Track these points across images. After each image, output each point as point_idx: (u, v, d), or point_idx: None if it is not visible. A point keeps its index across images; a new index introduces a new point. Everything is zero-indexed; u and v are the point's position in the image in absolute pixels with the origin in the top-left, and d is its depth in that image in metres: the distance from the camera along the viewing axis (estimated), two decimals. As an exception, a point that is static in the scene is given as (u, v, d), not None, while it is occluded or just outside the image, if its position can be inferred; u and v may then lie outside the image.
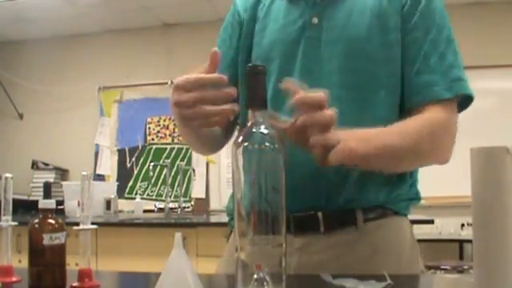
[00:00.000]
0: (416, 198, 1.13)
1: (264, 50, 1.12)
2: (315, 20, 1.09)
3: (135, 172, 4.61)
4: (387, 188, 1.07)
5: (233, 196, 1.30)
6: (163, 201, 4.23)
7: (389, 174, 1.06)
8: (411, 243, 1.12)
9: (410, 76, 1.07)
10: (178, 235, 0.74)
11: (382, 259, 1.04)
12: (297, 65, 1.08)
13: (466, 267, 3.58)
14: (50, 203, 0.92)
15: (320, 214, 1.04)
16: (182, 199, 4.13)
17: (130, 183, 4.59)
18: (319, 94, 0.86)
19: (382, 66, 1.06)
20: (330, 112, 0.86)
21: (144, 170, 4.57)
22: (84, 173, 0.94)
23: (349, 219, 1.05)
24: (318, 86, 1.02)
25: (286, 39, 1.10)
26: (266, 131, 0.72)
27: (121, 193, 4.42)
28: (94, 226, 0.94)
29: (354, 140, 0.90)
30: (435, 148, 1.04)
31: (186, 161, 4.45)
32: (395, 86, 1.08)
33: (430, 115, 1.03)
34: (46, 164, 4.59)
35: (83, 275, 0.91)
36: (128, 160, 4.65)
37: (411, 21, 1.07)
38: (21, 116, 4.91)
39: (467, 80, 1.07)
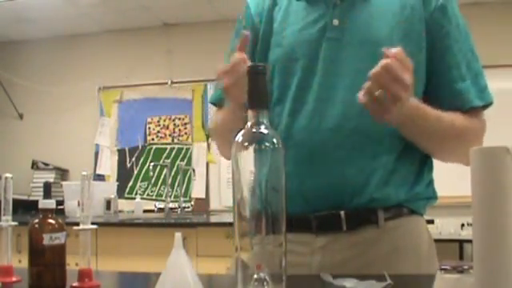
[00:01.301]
0: (433, 197, 1.15)
1: (285, 51, 1.13)
2: (336, 22, 1.10)
3: (135, 172, 4.60)
4: (407, 186, 1.09)
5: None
6: (163, 201, 4.22)
7: (408, 172, 1.09)
8: (429, 242, 1.14)
9: (442, 83, 1.10)
10: (178, 235, 0.74)
11: (402, 257, 1.06)
12: (319, 65, 1.09)
13: (466, 267, 3.57)
14: (50, 203, 0.92)
15: (343, 213, 1.05)
16: (181, 199, 4.13)
17: (130, 183, 4.59)
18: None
19: None
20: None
21: (144, 170, 4.56)
22: (84, 173, 0.94)
23: (370, 218, 1.06)
24: (343, 86, 1.04)
25: (308, 40, 1.11)
26: (266, 131, 0.72)
27: (121, 193, 4.42)
28: (94, 226, 0.94)
29: (406, 116, 0.96)
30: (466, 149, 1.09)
31: (185, 161, 4.45)
32: (419, 91, 1.09)
33: (469, 120, 1.09)
34: (46, 164, 4.58)
35: (83, 275, 0.91)
36: (128, 160, 4.65)
37: (442, 29, 1.10)
38: (21, 116, 4.91)
39: (489, 87, 1.13)
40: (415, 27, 1.09)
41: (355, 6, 1.10)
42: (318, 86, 1.08)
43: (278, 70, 1.13)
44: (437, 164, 1.18)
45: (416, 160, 1.11)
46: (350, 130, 1.05)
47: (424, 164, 1.13)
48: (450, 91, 1.10)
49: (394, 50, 0.91)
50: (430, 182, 1.15)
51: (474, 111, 1.11)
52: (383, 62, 0.89)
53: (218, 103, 1.24)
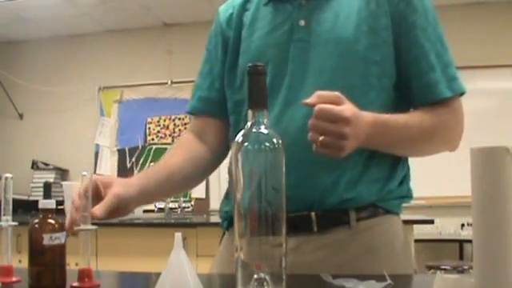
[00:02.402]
0: (407, 195, 1.13)
1: (253, 55, 1.12)
2: (302, 22, 1.09)
3: (135, 172, 4.60)
4: (378, 184, 1.08)
5: (226, 198, 1.32)
6: (163, 201, 4.23)
7: (379, 170, 1.08)
8: (403, 242, 1.13)
9: (411, 75, 1.09)
10: (178, 235, 0.74)
11: (374, 258, 1.05)
12: (288, 67, 1.09)
13: (466, 267, 3.57)
14: (50, 203, 0.92)
15: (313, 214, 1.05)
16: (181, 199, 4.13)
17: (130, 183, 4.59)
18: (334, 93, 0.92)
19: (373, 67, 1.07)
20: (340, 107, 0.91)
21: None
22: (84, 173, 0.94)
23: (342, 219, 1.05)
24: (309, 86, 1.04)
25: (275, 43, 1.11)
26: (265, 131, 0.72)
27: (121, 193, 4.42)
28: (95, 227, 0.94)
29: (366, 136, 0.95)
30: (445, 143, 1.12)
31: (186, 161, 4.45)
32: (387, 86, 1.09)
33: (438, 114, 1.08)
34: (46, 164, 4.59)
35: (83, 275, 0.91)
36: (128, 160, 4.65)
37: (407, 20, 1.08)
38: (21, 116, 4.92)
39: (459, 77, 1.11)
40: (381, 22, 1.07)
41: (320, 6, 1.10)
42: (286, 87, 1.08)
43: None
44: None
45: (388, 158, 1.09)
46: None
47: (397, 162, 1.12)
48: (420, 83, 1.08)
49: (313, 96, 0.91)
50: (404, 181, 1.14)
51: (445, 102, 1.09)
52: (314, 111, 0.89)
53: (193, 112, 1.26)
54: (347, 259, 1.04)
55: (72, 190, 0.99)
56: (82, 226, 0.93)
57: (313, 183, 1.04)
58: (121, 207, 1.02)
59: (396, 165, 1.11)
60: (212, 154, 1.24)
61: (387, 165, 1.10)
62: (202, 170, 1.25)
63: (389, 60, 1.08)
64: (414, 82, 1.09)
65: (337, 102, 0.91)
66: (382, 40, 1.07)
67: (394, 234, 1.11)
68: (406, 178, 1.14)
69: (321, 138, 0.90)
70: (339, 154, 0.92)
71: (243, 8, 1.19)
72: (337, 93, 0.92)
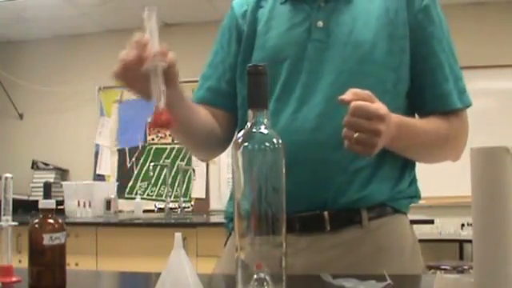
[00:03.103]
0: (416, 195, 1.15)
1: (269, 53, 1.13)
2: (320, 24, 1.11)
3: (135, 172, 4.61)
4: (390, 184, 1.09)
5: (231, 199, 1.32)
6: (163, 201, 4.23)
7: (391, 169, 1.09)
8: (413, 241, 1.14)
9: (426, 84, 1.12)
10: (178, 235, 0.74)
11: (385, 257, 1.06)
12: (304, 66, 1.10)
13: (466, 267, 3.57)
14: (50, 203, 0.92)
15: (326, 214, 1.05)
16: (181, 199, 4.13)
17: (130, 183, 4.59)
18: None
19: (389, 73, 1.09)
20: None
21: (144, 170, 4.56)
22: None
23: (354, 218, 1.06)
24: (324, 86, 1.05)
25: (293, 41, 1.12)
26: (265, 131, 0.72)
27: (121, 193, 4.42)
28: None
29: (392, 137, 0.97)
30: (452, 152, 1.15)
31: (185, 161, 4.44)
32: (401, 92, 1.11)
33: (450, 122, 1.12)
34: (46, 164, 4.59)
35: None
36: (128, 160, 4.65)
37: (425, 30, 1.11)
38: (21, 116, 4.91)
39: (467, 90, 1.15)
40: (399, 30, 1.10)
41: (339, 9, 1.11)
42: (302, 86, 1.09)
43: None
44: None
45: (399, 158, 1.11)
46: (332, 129, 1.04)
47: (407, 163, 1.13)
48: (434, 93, 1.12)
49: (348, 93, 0.91)
50: (413, 181, 1.16)
51: (455, 112, 1.13)
52: (350, 108, 0.90)
53: (201, 102, 1.22)
54: (359, 259, 1.05)
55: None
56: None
57: (327, 182, 1.05)
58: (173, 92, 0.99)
59: (406, 165, 1.13)
60: (221, 135, 1.22)
61: (398, 165, 1.11)
62: (215, 139, 1.21)
63: (404, 67, 1.10)
64: (428, 91, 1.12)
65: (369, 101, 0.92)
66: (400, 48, 1.10)
67: (403, 234, 1.12)
68: (414, 179, 1.16)
69: (355, 135, 0.90)
70: (371, 151, 0.93)
71: (257, 5, 1.20)
72: (368, 91, 0.92)
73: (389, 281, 0.86)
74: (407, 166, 1.13)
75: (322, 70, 1.08)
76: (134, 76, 0.98)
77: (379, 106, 0.92)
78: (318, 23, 1.11)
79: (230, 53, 1.21)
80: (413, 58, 1.11)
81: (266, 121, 0.73)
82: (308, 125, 1.05)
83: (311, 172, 1.04)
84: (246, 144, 0.71)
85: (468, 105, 1.14)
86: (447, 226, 3.99)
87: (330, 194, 1.05)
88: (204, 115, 1.17)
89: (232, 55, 1.20)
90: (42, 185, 0.98)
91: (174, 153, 4.53)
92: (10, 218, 1.01)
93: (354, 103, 0.90)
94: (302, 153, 1.04)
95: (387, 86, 1.08)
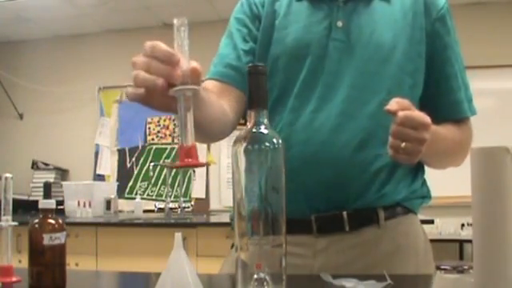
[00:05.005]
0: (427, 196, 1.17)
1: (288, 47, 1.12)
2: (340, 23, 1.11)
3: (135, 172, 4.60)
4: (405, 184, 1.10)
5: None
6: (163, 201, 4.23)
7: (406, 170, 1.10)
8: (424, 240, 1.15)
9: (440, 91, 1.14)
10: (178, 235, 0.74)
11: (402, 257, 1.07)
12: (326, 65, 1.09)
13: (465, 267, 3.57)
14: (50, 203, 0.92)
15: (345, 214, 1.05)
16: (181, 199, 4.13)
17: (130, 183, 4.59)
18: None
19: (406, 77, 1.10)
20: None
21: (144, 170, 4.56)
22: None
23: (371, 218, 1.06)
24: (345, 87, 1.05)
25: (315, 39, 1.11)
26: (265, 131, 0.72)
27: (121, 193, 4.42)
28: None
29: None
30: (462, 158, 1.16)
31: (186, 161, 4.44)
32: (416, 97, 1.12)
33: (462, 130, 1.15)
34: (46, 164, 4.58)
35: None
36: (128, 160, 4.65)
37: (442, 39, 1.13)
38: (21, 116, 4.91)
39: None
40: (417, 34, 1.11)
41: (358, 10, 1.11)
42: (323, 85, 1.08)
43: (282, 66, 1.12)
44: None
45: None
46: (353, 129, 1.05)
47: (419, 164, 1.14)
48: (447, 101, 1.14)
49: (392, 103, 0.91)
50: (424, 182, 1.17)
51: (464, 120, 1.16)
52: (398, 117, 0.89)
53: (219, 78, 1.15)
54: (378, 258, 1.05)
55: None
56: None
57: (348, 183, 1.05)
58: None
59: (419, 166, 1.14)
60: (229, 118, 1.13)
61: (413, 166, 1.11)
62: (223, 125, 1.11)
63: (420, 73, 1.12)
64: (441, 99, 1.14)
65: (410, 109, 0.92)
66: (417, 53, 1.11)
67: (416, 233, 1.13)
68: (425, 179, 1.18)
69: (403, 145, 0.90)
70: (415, 159, 0.94)
71: None
72: (407, 100, 0.93)
73: (389, 281, 0.86)
74: (420, 166, 1.15)
75: (343, 70, 1.08)
76: (154, 96, 0.84)
77: (423, 115, 0.92)
78: (337, 23, 1.11)
79: (251, 36, 1.16)
80: (428, 65, 1.12)
81: (266, 121, 0.72)
82: (329, 124, 1.06)
83: (333, 172, 1.04)
84: (246, 144, 0.71)
85: (475, 113, 1.17)
86: (447, 226, 3.99)
87: (350, 194, 1.05)
88: (215, 102, 1.07)
89: (252, 39, 1.16)
90: (42, 185, 0.97)
91: (174, 153, 4.53)
92: (10, 217, 1.01)
93: (401, 113, 0.89)
94: (322, 152, 1.04)
95: (404, 90, 1.08)
